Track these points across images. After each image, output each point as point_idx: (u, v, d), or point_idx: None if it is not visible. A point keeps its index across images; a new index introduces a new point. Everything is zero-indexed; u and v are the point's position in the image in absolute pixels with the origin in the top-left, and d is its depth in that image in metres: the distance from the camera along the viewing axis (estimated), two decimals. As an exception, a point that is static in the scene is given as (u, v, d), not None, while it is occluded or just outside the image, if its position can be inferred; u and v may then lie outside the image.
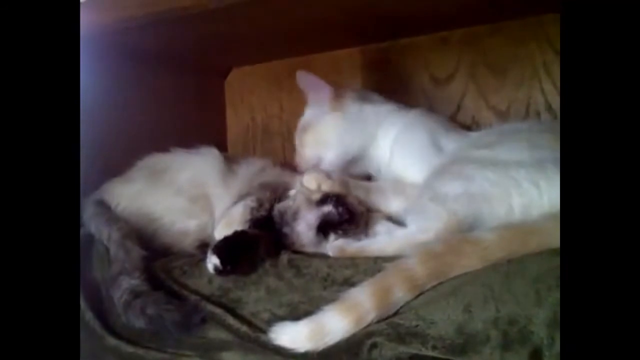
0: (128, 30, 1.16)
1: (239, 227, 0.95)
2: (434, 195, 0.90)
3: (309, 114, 1.24)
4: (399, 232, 0.92)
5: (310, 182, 1.03)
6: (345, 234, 0.95)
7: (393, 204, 1.04)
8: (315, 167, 1.17)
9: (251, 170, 1.19)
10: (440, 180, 0.93)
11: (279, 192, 1.04)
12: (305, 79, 1.20)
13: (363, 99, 1.20)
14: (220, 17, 1.13)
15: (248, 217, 0.96)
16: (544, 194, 0.82)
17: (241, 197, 1.02)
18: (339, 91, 1.19)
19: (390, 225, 0.97)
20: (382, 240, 0.91)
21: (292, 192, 1.04)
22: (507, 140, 0.95)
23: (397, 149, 1.12)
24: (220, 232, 0.95)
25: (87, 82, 1.12)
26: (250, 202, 0.99)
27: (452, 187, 0.89)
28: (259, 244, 0.91)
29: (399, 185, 1.07)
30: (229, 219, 0.97)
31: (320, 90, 1.19)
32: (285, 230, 0.96)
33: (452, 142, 1.08)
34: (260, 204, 0.99)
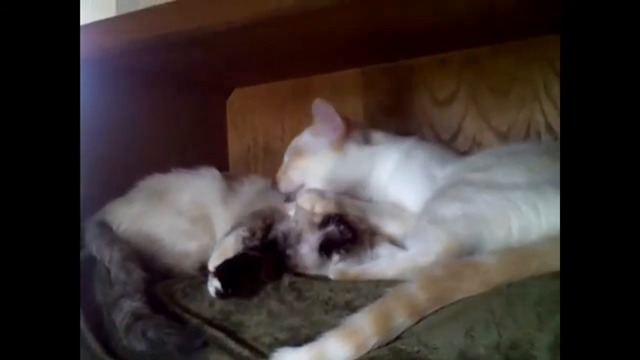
0: (130, 53, 1.18)
1: None
2: (433, 218, 0.90)
3: (308, 139, 1.23)
4: (400, 255, 0.92)
5: (304, 203, 1.03)
6: (348, 253, 0.94)
7: (390, 227, 1.04)
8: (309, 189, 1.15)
9: (252, 190, 1.19)
10: (438, 203, 0.93)
11: (272, 220, 1.03)
12: (321, 108, 1.15)
13: (364, 141, 1.19)
14: (223, 39, 1.14)
15: (240, 247, 0.95)
16: (542, 216, 0.81)
17: (233, 228, 1.02)
18: (348, 130, 1.16)
19: (392, 248, 0.97)
20: (383, 263, 0.91)
21: (292, 213, 1.04)
22: (504, 163, 0.95)
23: (393, 181, 1.12)
24: (213, 263, 0.94)
25: (89, 102, 1.12)
26: (242, 232, 0.98)
27: (450, 210, 0.88)
28: (261, 266, 0.91)
29: (396, 209, 1.07)
30: (221, 250, 0.96)
31: (332, 126, 1.16)
32: (289, 252, 0.96)
33: (446, 170, 1.07)
34: (252, 234, 0.98)
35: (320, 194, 1.04)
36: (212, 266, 0.94)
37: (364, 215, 1.03)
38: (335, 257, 0.94)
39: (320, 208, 1.00)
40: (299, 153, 1.21)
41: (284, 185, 1.20)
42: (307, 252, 0.95)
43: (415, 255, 0.88)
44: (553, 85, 1.30)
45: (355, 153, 1.16)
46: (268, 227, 1.01)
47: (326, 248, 0.94)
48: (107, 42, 1.10)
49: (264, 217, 1.04)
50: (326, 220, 0.95)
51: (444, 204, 0.91)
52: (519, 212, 0.83)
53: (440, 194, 0.96)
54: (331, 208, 1.00)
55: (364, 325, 0.69)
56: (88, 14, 1.08)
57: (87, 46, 1.02)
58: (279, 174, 1.23)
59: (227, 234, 1.01)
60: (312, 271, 0.95)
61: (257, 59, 1.38)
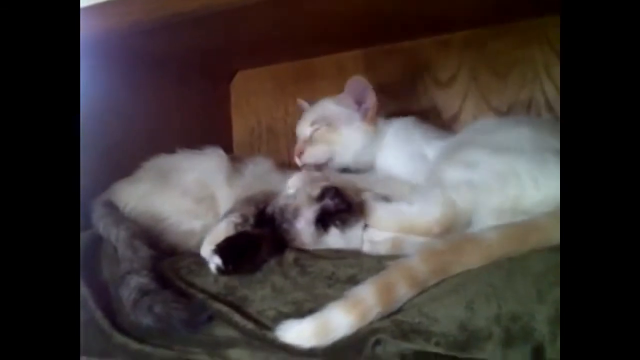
0: (134, 35, 1.18)
1: None
2: (438, 179, 0.93)
3: (336, 109, 1.23)
4: (404, 207, 0.93)
5: (294, 184, 1.05)
6: (344, 223, 0.95)
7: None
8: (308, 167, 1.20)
9: (257, 171, 1.20)
10: (445, 165, 0.95)
11: (265, 205, 1.04)
12: (358, 84, 1.18)
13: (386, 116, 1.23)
14: (225, 21, 1.15)
15: (232, 233, 0.96)
16: (541, 187, 0.83)
17: (225, 214, 1.03)
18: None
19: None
20: (385, 209, 0.94)
21: (290, 191, 1.05)
22: (508, 127, 0.99)
23: (386, 159, 1.17)
24: (205, 249, 0.95)
25: (94, 86, 1.14)
26: (235, 218, 0.99)
27: (454, 174, 0.91)
28: (262, 243, 0.92)
29: (386, 180, 1.10)
30: (213, 237, 0.95)
31: (367, 100, 1.18)
32: (285, 226, 0.97)
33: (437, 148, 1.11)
34: (244, 220, 0.99)
35: (309, 174, 1.07)
36: (204, 252, 0.94)
37: (356, 187, 1.05)
38: (333, 230, 0.95)
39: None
40: (328, 123, 1.21)
41: (309, 158, 1.21)
42: (303, 226, 0.96)
43: (416, 214, 0.90)
44: (553, 65, 1.31)
45: (383, 128, 1.20)
46: (261, 213, 1.02)
47: (323, 221, 0.95)
48: (110, 24, 1.10)
49: (257, 203, 1.05)
50: (323, 194, 0.96)
51: (450, 167, 0.94)
52: (519, 182, 0.85)
53: (450, 155, 0.98)
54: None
55: (367, 296, 0.70)
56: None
57: (90, 28, 1.04)
58: (302, 145, 1.23)
59: (220, 220, 1.01)
60: (309, 246, 0.96)
61: (260, 41, 1.38)
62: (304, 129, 1.25)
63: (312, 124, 1.23)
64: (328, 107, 1.24)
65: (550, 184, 0.82)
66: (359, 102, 1.19)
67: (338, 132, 1.20)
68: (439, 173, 0.94)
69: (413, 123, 1.22)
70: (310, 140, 1.22)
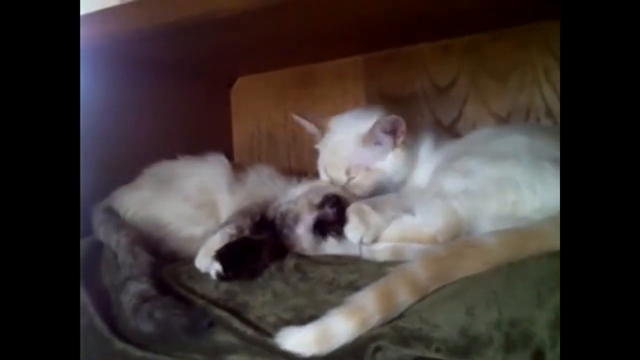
0: (135, 42, 1.19)
1: None
2: (438, 190, 0.93)
3: (365, 152, 1.12)
4: (408, 220, 0.94)
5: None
6: (339, 234, 0.95)
7: None
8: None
9: (258, 178, 1.20)
10: (444, 176, 0.95)
11: (260, 217, 1.04)
12: (389, 121, 1.07)
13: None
14: (226, 27, 1.15)
15: None
16: (539, 194, 0.84)
17: (220, 226, 1.03)
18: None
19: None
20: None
21: (296, 194, 1.05)
22: (506, 135, 0.98)
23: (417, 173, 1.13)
24: (200, 261, 0.95)
25: (95, 92, 1.15)
26: (229, 229, 0.99)
27: (453, 184, 0.91)
28: (262, 249, 0.92)
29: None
30: (207, 248, 0.95)
31: (397, 130, 1.09)
32: (285, 232, 0.97)
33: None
34: (240, 231, 0.99)
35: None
36: (199, 263, 0.94)
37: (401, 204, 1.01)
38: (330, 238, 0.95)
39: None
40: (365, 168, 1.13)
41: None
42: (302, 232, 0.96)
43: (420, 225, 0.91)
44: (552, 70, 1.31)
45: (413, 144, 1.14)
46: (258, 224, 1.02)
47: (320, 229, 0.95)
48: (111, 30, 1.10)
49: (253, 215, 1.05)
50: (324, 202, 0.97)
51: (449, 177, 0.94)
52: (517, 188, 0.85)
53: (447, 166, 0.98)
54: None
55: (367, 303, 0.70)
56: (93, 1, 1.08)
57: (92, 34, 1.04)
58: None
59: (214, 232, 1.01)
60: (308, 252, 0.96)
61: (260, 47, 1.39)
62: (338, 175, 1.15)
63: (347, 172, 1.13)
64: (357, 152, 1.13)
65: (548, 191, 0.82)
66: (387, 132, 1.10)
67: (377, 171, 1.12)
68: (438, 183, 0.94)
69: (434, 139, 1.17)
70: (348, 185, 1.14)
